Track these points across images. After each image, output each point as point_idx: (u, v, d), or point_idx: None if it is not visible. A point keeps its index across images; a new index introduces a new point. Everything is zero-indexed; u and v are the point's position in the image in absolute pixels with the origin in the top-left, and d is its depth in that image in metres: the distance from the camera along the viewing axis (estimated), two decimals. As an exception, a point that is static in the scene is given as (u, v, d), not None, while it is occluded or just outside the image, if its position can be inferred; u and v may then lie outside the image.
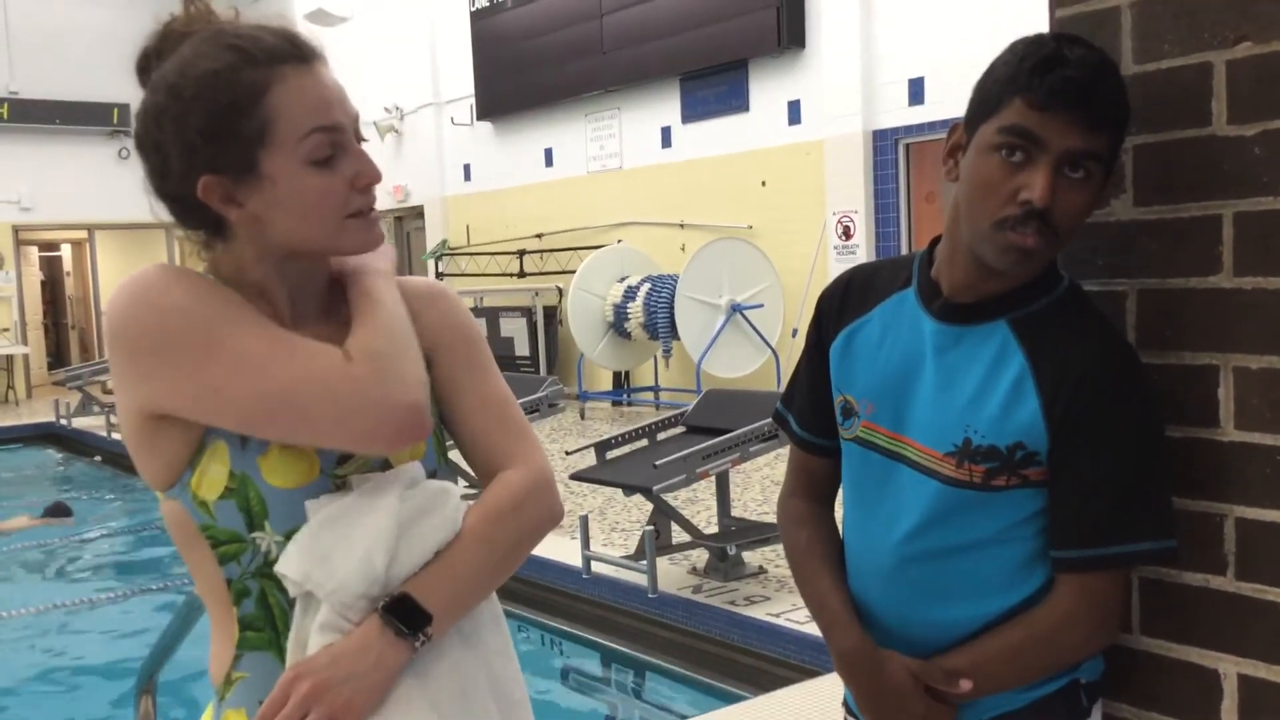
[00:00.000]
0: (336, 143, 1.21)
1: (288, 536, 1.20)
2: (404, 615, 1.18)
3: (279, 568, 1.19)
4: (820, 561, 1.55)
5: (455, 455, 1.39)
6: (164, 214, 1.27)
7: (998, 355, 1.38)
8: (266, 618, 1.24)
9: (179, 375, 1.16)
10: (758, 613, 4.54)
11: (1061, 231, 1.32)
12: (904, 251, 9.26)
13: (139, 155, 1.26)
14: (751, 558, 5.24)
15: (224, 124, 1.18)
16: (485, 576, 1.26)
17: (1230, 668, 1.38)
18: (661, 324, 10.32)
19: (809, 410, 1.59)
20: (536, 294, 11.89)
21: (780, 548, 5.39)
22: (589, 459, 5.66)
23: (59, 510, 8.44)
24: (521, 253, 12.83)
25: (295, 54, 1.21)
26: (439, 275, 13.95)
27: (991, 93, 1.32)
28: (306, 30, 1.26)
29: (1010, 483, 1.37)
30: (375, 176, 1.24)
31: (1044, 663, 1.40)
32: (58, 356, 18.93)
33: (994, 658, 1.39)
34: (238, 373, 1.16)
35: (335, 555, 1.17)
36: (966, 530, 1.40)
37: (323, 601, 1.18)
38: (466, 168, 14.19)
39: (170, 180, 1.23)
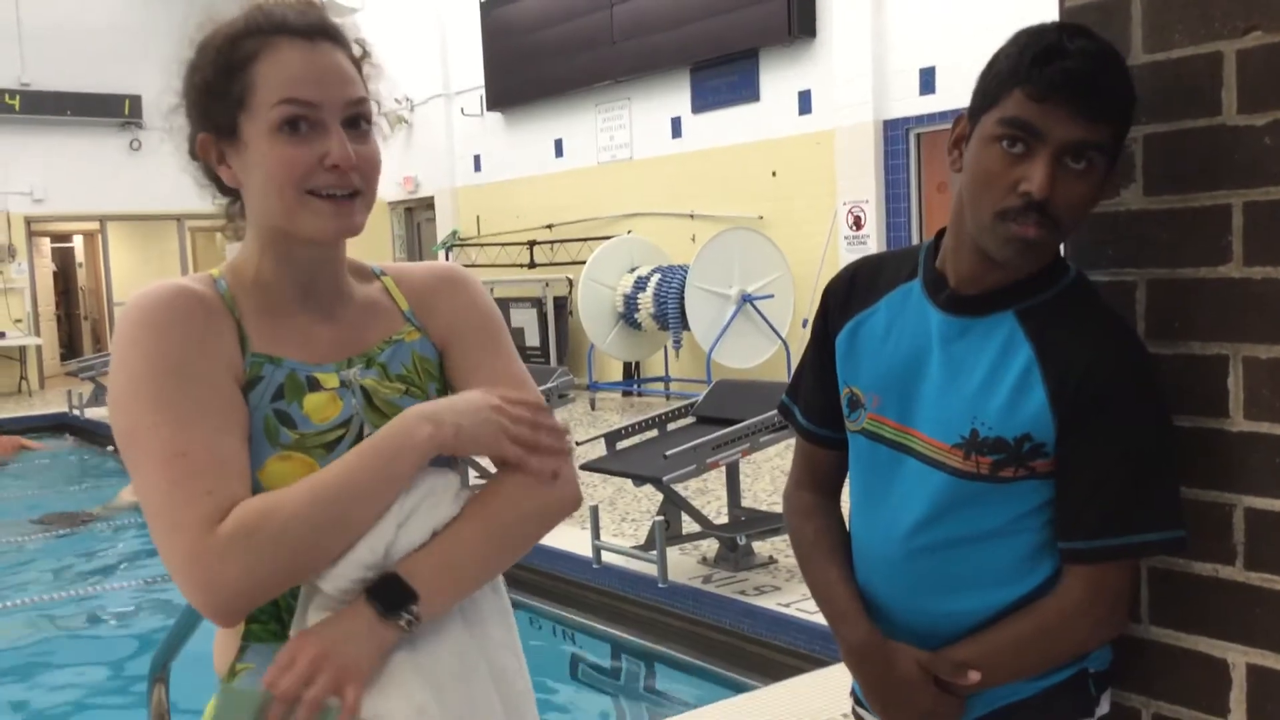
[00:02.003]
0: (308, 118, 1.21)
1: None
2: (387, 595, 1.18)
3: None
4: (828, 554, 1.55)
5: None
6: (180, 201, 1.31)
7: (1005, 346, 1.38)
8: (272, 612, 1.25)
9: (116, 434, 1.21)
10: (768, 602, 4.54)
11: (1064, 222, 1.32)
12: (915, 242, 9.24)
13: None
14: (761, 548, 5.24)
15: (218, 84, 1.23)
16: (485, 557, 1.25)
17: (1239, 657, 1.38)
18: (672, 314, 10.31)
19: (815, 403, 1.60)
20: (547, 284, 11.90)
21: (788, 538, 5.37)
22: (599, 449, 5.66)
23: None
24: (532, 243, 12.84)
25: (298, 28, 1.23)
26: (449, 266, 13.95)
27: (993, 84, 1.33)
28: (335, 14, 1.29)
29: (1018, 474, 1.37)
30: (344, 159, 1.21)
31: (1052, 654, 1.40)
32: (70, 347, 18.99)
33: (1002, 649, 1.40)
34: (134, 469, 1.19)
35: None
36: (974, 522, 1.40)
37: (321, 586, 1.19)
38: (477, 158, 14.19)
39: (186, 136, 1.29)
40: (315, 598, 1.20)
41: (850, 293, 1.54)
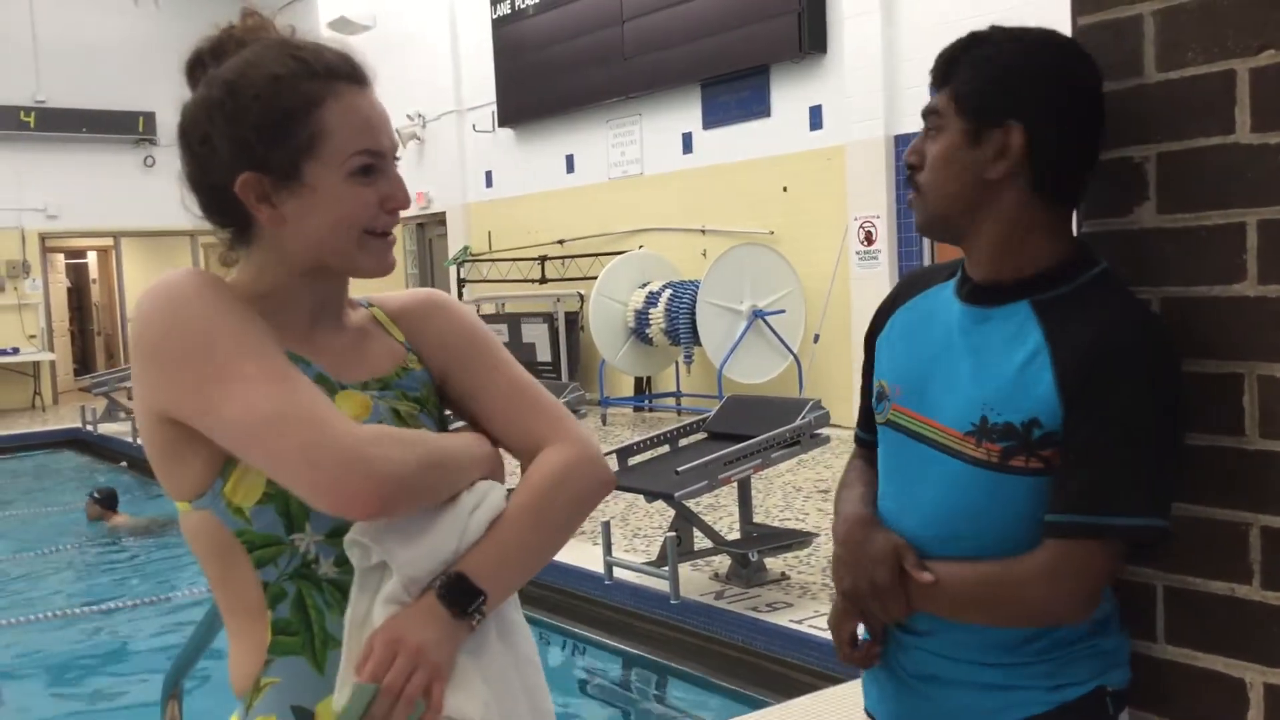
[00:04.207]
0: (377, 166, 1.26)
1: (329, 536, 1.23)
2: (459, 595, 1.21)
3: (355, 533, 1.20)
4: (860, 480, 1.62)
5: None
6: (194, 206, 1.30)
7: (1016, 334, 1.40)
8: (302, 621, 1.25)
9: (184, 388, 1.18)
10: (780, 619, 4.53)
11: (920, 183, 1.45)
12: (925, 256, 9.24)
13: (180, 145, 1.28)
14: (773, 564, 5.23)
15: (277, 127, 1.22)
16: (534, 551, 1.29)
17: (1256, 677, 1.38)
18: (683, 330, 10.32)
19: (863, 409, 1.68)
20: (558, 300, 11.92)
21: (801, 554, 5.40)
22: (611, 465, 5.65)
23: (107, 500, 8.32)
24: (543, 259, 12.86)
25: (351, 75, 1.27)
26: (461, 281, 14.01)
27: None
28: (361, 57, 1.30)
29: (1030, 464, 1.36)
30: (404, 202, 1.29)
31: (1009, 607, 1.39)
32: (84, 363, 19.08)
33: (963, 576, 1.40)
34: (230, 397, 1.16)
35: (417, 534, 1.21)
36: (989, 514, 1.40)
37: (394, 575, 1.20)
38: (488, 174, 14.23)
39: (211, 172, 1.25)
40: (378, 589, 1.21)
41: (894, 300, 1.62)
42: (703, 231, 11.25)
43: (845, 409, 9.27)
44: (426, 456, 1.22)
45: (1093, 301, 1.38)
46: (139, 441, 10.47)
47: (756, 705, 4.05)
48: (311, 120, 1.23)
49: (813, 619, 4.47)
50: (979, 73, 1.43)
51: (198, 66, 1.28)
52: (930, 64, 1.53)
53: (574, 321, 12.07)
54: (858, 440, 1.71)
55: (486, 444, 1.33)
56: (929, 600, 1.42)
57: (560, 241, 12.85)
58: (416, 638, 1.18)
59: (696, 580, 5.13)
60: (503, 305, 12.98)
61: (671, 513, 5.27)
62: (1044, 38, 1.42)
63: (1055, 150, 1.40)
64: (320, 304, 1.32)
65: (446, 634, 1.20)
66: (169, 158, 16.37)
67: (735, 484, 5.19)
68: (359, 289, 1.40)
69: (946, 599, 1.41)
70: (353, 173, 1.24)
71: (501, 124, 13.67)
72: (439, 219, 15.01)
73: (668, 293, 10.58)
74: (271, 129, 1.22)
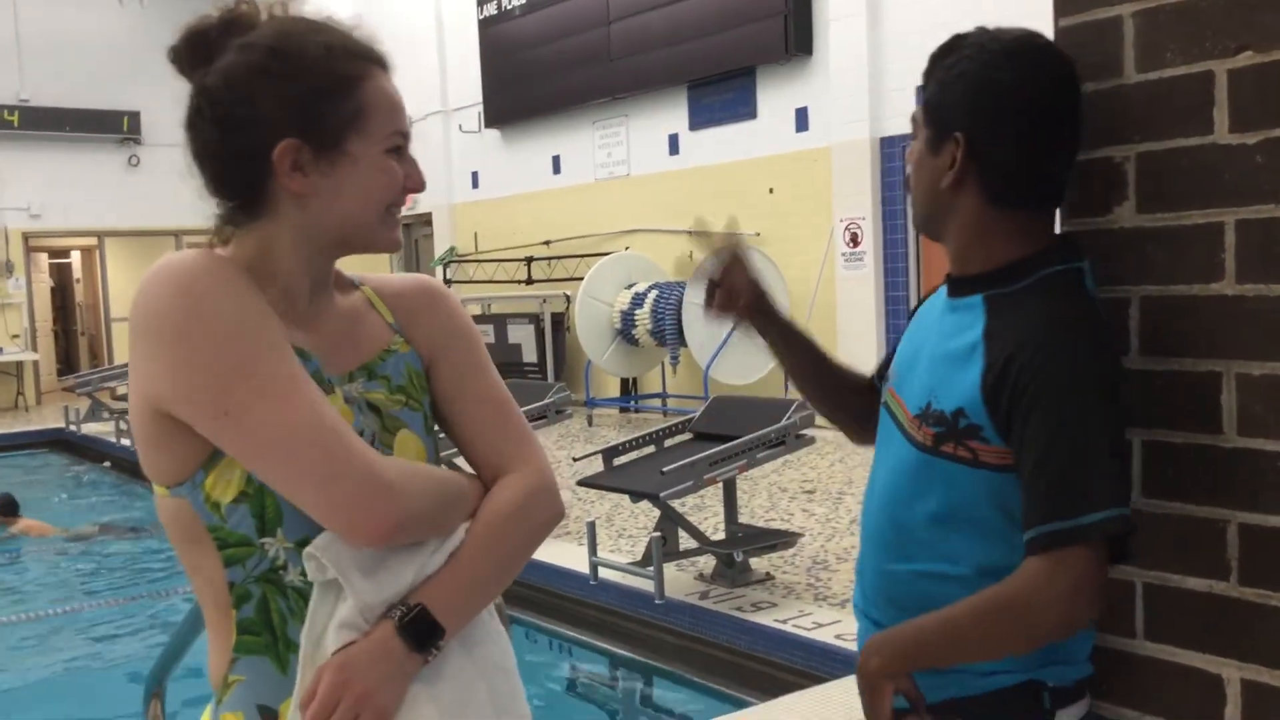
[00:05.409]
0: (403, 147, 1.31)
1: (299, 544, 1.21)
2: (420, 630, 1.20)
3: (312, 548, 1.19)
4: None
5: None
6: (197, 179, 1.28)
7: (968, 325, 1.44)
8: (265, 623, 1.24)
9: (196, 387, 1.15)
10: (765, 619, 4.54)
11: (910, 185, 1.53)
12: (910, 259, 9.28)
13: (205, 112, 1.24)
14: (759, 564, 5.24)
15: (327, 96, 1.24)
16: (493, 581, 1.30)
17: (1234, 673, 1.39)
18: (669, 331, 10.32)
19: None
20: (544, 301, 11.91)
21: (786, 554, 5.42)
22: (596, 465, 5.67)
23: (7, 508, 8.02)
24: (529, 259, 12.86)
25: (380, 59, 1.31)
26: (447, 282, 13.99)
27: None
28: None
29: (958, 452, 1.40)
30: (422, 184, 1.33)
31: (1012, 631, 1.35)
32: (67, 363, 18.97)
33: (961, 617, 1.37)
34: (251, 406, 1.15)
35: (376, 563, 1.20)
36: (921, 496, 1.44)
37: (349, 600, 1.19)
38: (475, 175, 14.22)
39: (245, 137, 1.22)
40: (335, 609, 1.20)
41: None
42: (689, 233, 11.25)
43: (830, 410, 9.29)
44: (439, 494, 1.25)
45: (1034, 299, 1.40)
46: (123, 442, 10.36)
47: (741, 705, 4.06)
48: (357, 94, 1.25)
49: (797, 619, 4.48)
50: (941, 82, 1.47)
51: (200, 44, 1.26)
52: (915, 66, 1.56)
53: (560, 322, 12.06)
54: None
55: (476, 484, 1.33)
56: (944, 661, 1.41)
57: (546, 242, 12.84)
58: (364, 681, 1.17)
59: (682, 580, 5.14)
60: (489, 306, 12.96)
61: (657, 513, 5.27)
62: (1011, 46, 1.42)
63: (1001, 162, 1.42)
64: (317, 282, 1.31)
65: (397, 671, 1.19)
66: (153, 157, 16.34)
67: (720, 484, 5.20)
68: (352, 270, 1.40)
69: (952, 648, 1.39)
70: (388, 150, 1.28)
71: (488, 124, 13.67)
72: (425, 219, 14.99)
73: (654, 294, 10.59)
74: (326, 94, 1.23)
